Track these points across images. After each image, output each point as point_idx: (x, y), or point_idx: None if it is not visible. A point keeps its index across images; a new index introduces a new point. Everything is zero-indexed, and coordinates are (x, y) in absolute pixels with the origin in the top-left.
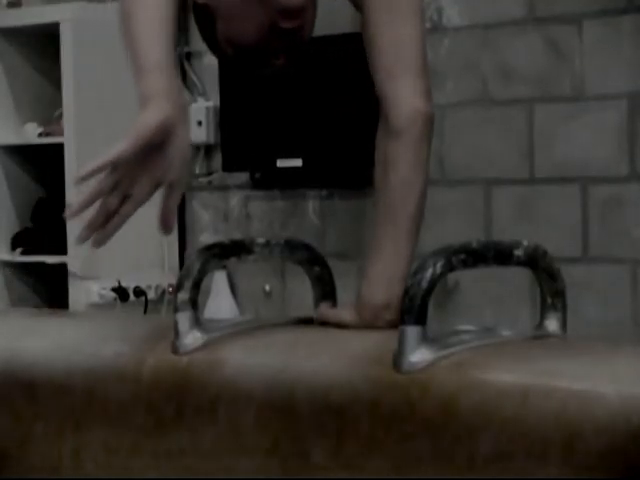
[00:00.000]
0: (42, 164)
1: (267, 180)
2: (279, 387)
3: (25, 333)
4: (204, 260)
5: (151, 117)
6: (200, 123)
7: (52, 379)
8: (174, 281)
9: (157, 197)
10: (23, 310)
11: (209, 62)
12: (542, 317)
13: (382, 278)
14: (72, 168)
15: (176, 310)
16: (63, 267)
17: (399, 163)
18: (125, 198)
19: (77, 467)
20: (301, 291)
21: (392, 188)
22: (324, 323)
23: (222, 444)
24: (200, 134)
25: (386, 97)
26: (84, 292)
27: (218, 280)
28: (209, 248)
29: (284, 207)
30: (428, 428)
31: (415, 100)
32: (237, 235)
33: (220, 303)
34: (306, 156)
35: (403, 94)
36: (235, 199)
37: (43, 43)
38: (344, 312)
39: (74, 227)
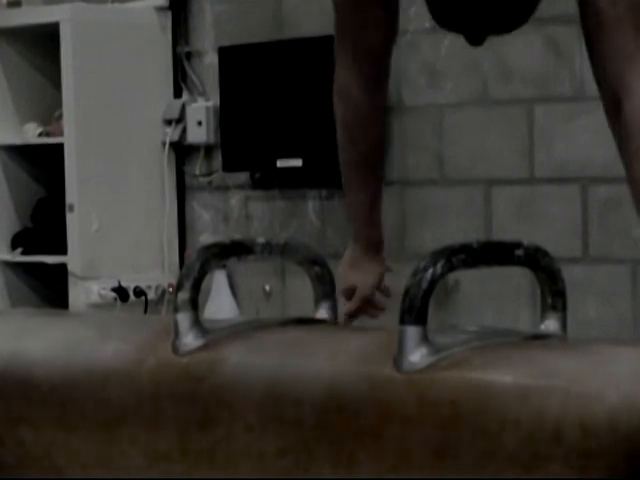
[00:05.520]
0: (42, 164)
1: (267, 180)
2: (279, 387)
3: (25, 333)
4: (204, 260)
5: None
6: (200, 123)
7: (52, 379)
8: (174, 281)
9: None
10: (23, 310)
11: (209, 62)
12: (542, 317)
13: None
14: (72, 168)
15: (176, 310)
16: (63, 267)
17: None
18: None
19: (77, 467)
20: (301, 291)
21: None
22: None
23: (222, 444)
24: (200, 134)
25: None
26: (84, 292)
27: (218, 280)
28: (209, 248)
29: (284, 207)
30: (428, 428)
31: None
32: (237, 235)
33: (220, 303)
34: (306, 156)
35: None
36: (235, 199)
37: (43, 43)
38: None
39: (74, 227)
